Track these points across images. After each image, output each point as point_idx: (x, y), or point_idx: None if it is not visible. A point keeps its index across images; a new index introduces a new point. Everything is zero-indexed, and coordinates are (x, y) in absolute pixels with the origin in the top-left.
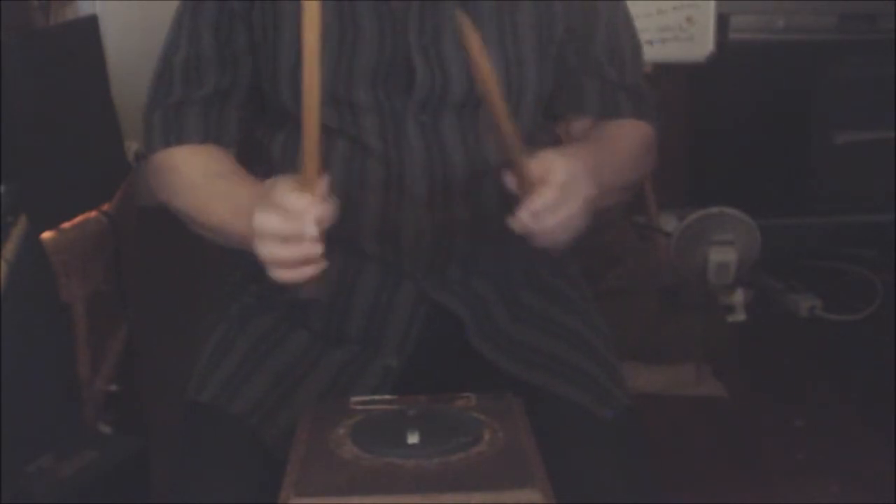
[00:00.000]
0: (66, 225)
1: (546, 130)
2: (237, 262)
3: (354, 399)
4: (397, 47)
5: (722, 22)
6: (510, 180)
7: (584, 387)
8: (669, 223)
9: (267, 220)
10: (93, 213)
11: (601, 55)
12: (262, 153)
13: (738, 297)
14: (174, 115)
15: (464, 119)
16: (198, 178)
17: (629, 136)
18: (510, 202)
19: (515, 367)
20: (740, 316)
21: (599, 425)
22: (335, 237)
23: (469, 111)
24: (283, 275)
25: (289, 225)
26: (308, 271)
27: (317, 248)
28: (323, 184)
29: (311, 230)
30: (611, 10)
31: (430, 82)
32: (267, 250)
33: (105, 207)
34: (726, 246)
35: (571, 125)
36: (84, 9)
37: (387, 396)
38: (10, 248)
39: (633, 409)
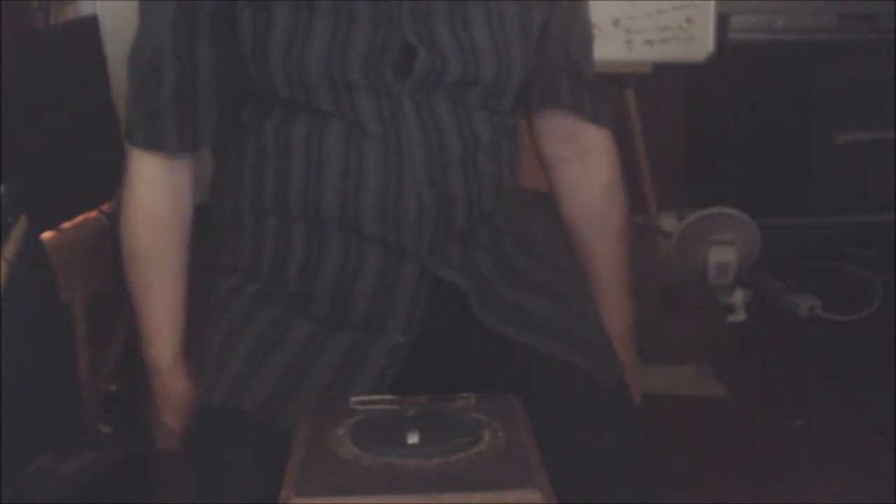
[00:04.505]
0: (66, 225)
1: (517, 115)
2: (234, 264)
3: (354, 399)
4: (391, 33)
5: (722, 22)
6: None
7: (583, 351)
8: (669, 223)
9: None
10: (93, 213)
11: (576, 51)
12: (252, 139)
13: (738, 297)
14: (154, 116)
15: (455, 98)
16: (141, 248)
17: (617, 242)
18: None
19: (517, 334)
20: (740, 316)
21: (600, 388)
22: (336, 224)
23: (459, 90)
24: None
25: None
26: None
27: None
28: None
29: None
30: (582, 8)
31: (430, 65)
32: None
33: (105, 207)
34: (726, 246)
35: (537, 118)
36: (84, 9)
37: (387, 396)
38: (10, 248)
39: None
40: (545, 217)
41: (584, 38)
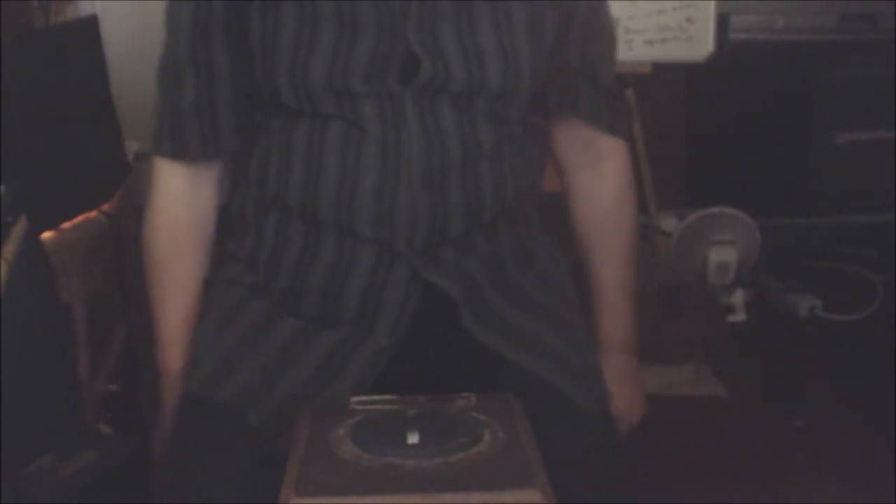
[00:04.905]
0: (66, 225)
1: (532, 121)
2: (236, 254)
3: (354, 399)
4: (395, 41)
5: (722, 22)
6: None
7: (569, 375)
8: (669, 223)
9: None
10: (93, 213)
11: (595, 56)
12: (260, 138)
13: (738, 297)
14: (177, 126)
15: (459, 105)
16: (159, 254)
17: (627, 254)
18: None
19: (505, 349)
20: (740, 316)
21: (582, 415)
22: (331, 224)
23: (464, 99)
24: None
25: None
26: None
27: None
28: None
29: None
30: (603, 11)
31: (433, 74)
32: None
33: (105, 207)
34: (726, 246)
35: (554, 124)
36: (84, 9)
37: (387, 396)
38: (10, 248)
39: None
40: (548, 237)
41: (604, 43)
